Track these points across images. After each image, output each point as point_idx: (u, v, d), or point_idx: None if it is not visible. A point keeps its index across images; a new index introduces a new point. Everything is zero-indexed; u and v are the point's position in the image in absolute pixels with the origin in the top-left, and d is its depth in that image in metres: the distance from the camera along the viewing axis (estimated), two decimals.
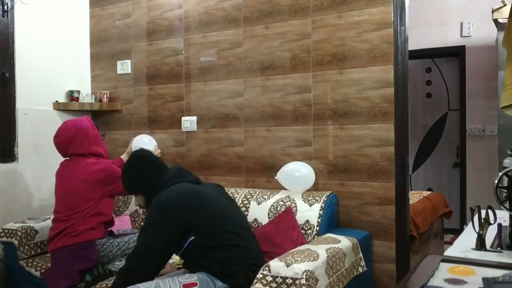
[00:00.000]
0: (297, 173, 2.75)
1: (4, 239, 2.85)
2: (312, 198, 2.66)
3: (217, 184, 2.42)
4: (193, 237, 1.98)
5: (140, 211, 3.17)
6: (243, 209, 2.77)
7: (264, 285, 1.87)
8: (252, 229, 2.68)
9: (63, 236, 2.54)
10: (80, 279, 2.48)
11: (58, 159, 3.53)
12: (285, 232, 2.53)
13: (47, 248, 2.72)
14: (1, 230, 2.87)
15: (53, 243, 2.59)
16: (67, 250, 2.52)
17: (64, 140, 2.66)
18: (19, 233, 2.82)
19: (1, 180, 3.06)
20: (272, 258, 2.08)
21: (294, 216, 2.60)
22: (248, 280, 1.95)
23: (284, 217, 2.61)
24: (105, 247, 2.58)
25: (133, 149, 2.88)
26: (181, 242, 1.99)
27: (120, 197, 3.29)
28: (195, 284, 1.91)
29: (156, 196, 2.06)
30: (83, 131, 2.68)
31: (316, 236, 2.54)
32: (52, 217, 2.72)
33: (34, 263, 2.77)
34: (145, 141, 3.14)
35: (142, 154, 2.30)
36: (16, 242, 2.80)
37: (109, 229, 2.73)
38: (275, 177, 2.83)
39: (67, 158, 2.74)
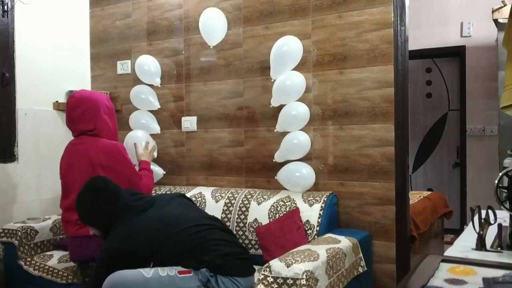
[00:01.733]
0: (297, 173, 2.75)
1: (4, 239, 2.85)
2: (312, 198, 2.66)
3: (176, 194, 2.49)
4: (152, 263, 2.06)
5: None
6: (243, 209, 2.77)
7: (266, 286, 1.88)
8: (254, 228, 2.69)
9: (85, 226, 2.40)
10: None
11: (58, 159, 3.54)
12: (289, 233, 2.53)
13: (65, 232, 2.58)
14: (1, 230, 2.87)
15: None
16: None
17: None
18: (19, 233, 2.82)
19: (1, 180, 3.06)
20: (273, 257, 2.09)
21: (300, 218, 2.59)
22: (220, 265, 2.03)
23: (290, 218, 2.60)
24: None
25: (128, 144, 2.88)
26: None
27: None
28: (189, 272, 2.00)
29: (110, 233, 2.10)
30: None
31: (316, 236, 2.54)
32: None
33: (34, 262, 2.77)
34: (139, 136, 3.08)
35: (96, 187, 2.18)
36: (16, 242, 2.80)
37: None
38: (275, 177, 2.83)
39: (73, 132, 2.59)
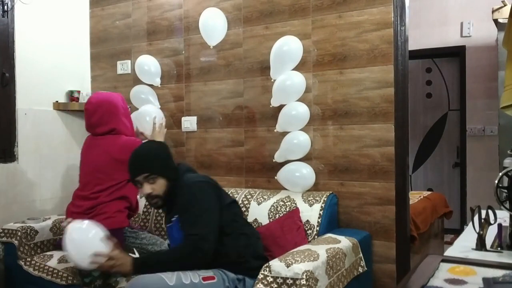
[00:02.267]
0: (297, 173, 2.75)
1: (4, 239, 2.85)
2: (312, 198, 2.66)
3: None
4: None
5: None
6: (243, 209, 2.77)
7: (265, 285, 1.87)
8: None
9: (94, 216, 2.47)
10: None
11: (58, 159, 3.54)
12: (289, 233, 2.53)
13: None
14: (1, 230, 2.87)
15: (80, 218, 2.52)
16: None
17: (100, 116, 2.60)
18: (19, 233, 2.82)
19: (1, 180, 3.06)
20: (273, 257, 2.09)
21: (300, 218, 2.59)
22: (254, 268, 2.03)
23: (290, 218, 2.60)
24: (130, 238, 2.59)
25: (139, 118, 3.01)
26: None
27: None
28: (213, 278, 1.95)
29: (183, 183, 2.09)
30: (116, 106, 2.66)
31: (316, 236, 2.54)
32: (74, 194, 2.69)
33: (34, 262, 2.77)
34: (148, 110, 3.10)
35: (164, 143, 2.29)
36: (16, 242, 2.80)
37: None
38: (275, 177, 2.83)
39: (93, 134, 2.69)
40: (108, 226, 2.38)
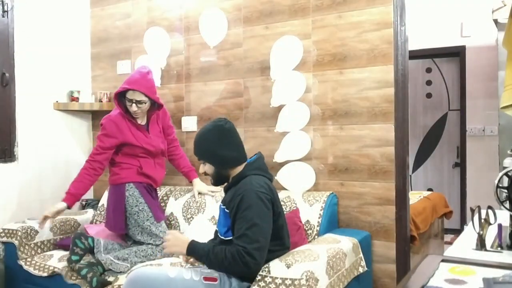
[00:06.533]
0: (297, 173, 2.75)
1: (4, 239, 2.85)
2: (312, 198, 2.66)
3: None
4: None
5: None
6: None
7: (264, 286, 1.86)
8: None
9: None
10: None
11: (58, 159, 3.53)
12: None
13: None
14: (1, 230, 2.87)
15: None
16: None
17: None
18: (19, 233, 2.82)
19: (1, 180, 3.06)
20: None
21: (300, 218, 2.59)
22: None
23: (290, 218, 2.59)
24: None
25: None
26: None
27: None
28: (215, 279, 1.92)
29: (246, 183, 2.01)
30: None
31: (316, 236, 2.54)
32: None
33: (34, 262, 2.77)
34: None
35: (224, 127, 2.16)
36: (16, 242, 2.80)
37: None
38: (275, 177, 2.83)
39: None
40: (112, 182, 2.79)
